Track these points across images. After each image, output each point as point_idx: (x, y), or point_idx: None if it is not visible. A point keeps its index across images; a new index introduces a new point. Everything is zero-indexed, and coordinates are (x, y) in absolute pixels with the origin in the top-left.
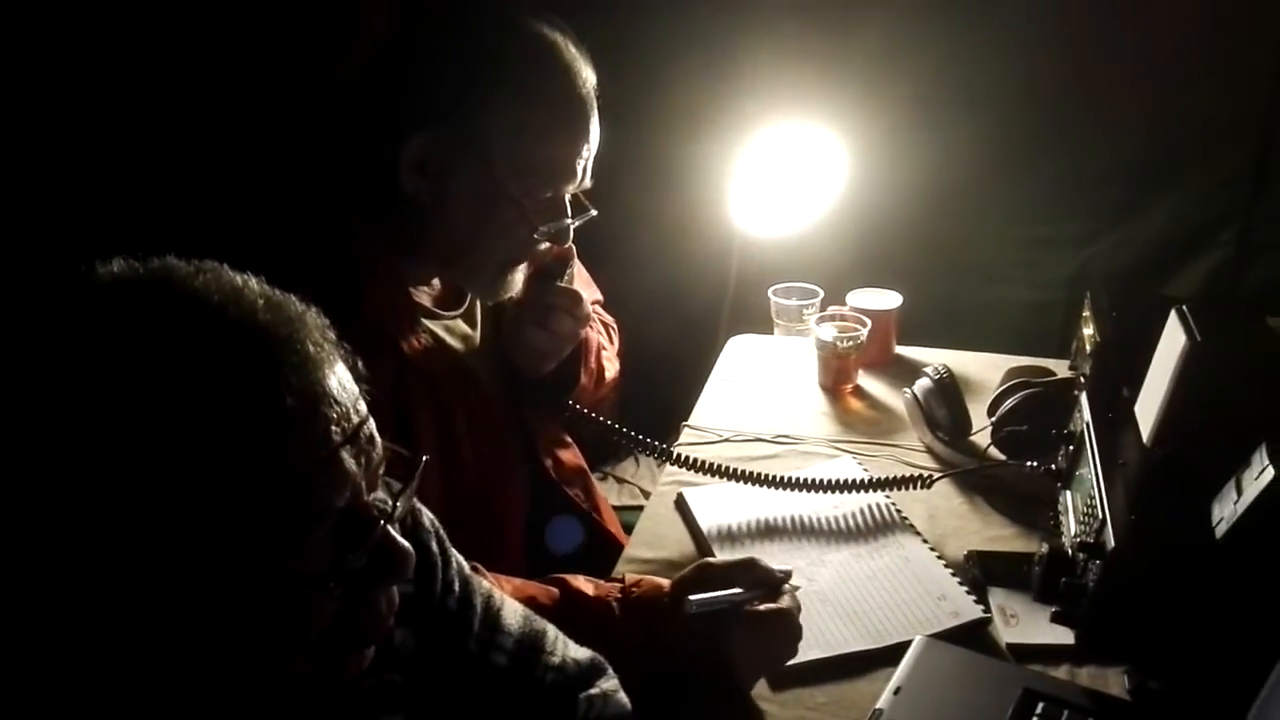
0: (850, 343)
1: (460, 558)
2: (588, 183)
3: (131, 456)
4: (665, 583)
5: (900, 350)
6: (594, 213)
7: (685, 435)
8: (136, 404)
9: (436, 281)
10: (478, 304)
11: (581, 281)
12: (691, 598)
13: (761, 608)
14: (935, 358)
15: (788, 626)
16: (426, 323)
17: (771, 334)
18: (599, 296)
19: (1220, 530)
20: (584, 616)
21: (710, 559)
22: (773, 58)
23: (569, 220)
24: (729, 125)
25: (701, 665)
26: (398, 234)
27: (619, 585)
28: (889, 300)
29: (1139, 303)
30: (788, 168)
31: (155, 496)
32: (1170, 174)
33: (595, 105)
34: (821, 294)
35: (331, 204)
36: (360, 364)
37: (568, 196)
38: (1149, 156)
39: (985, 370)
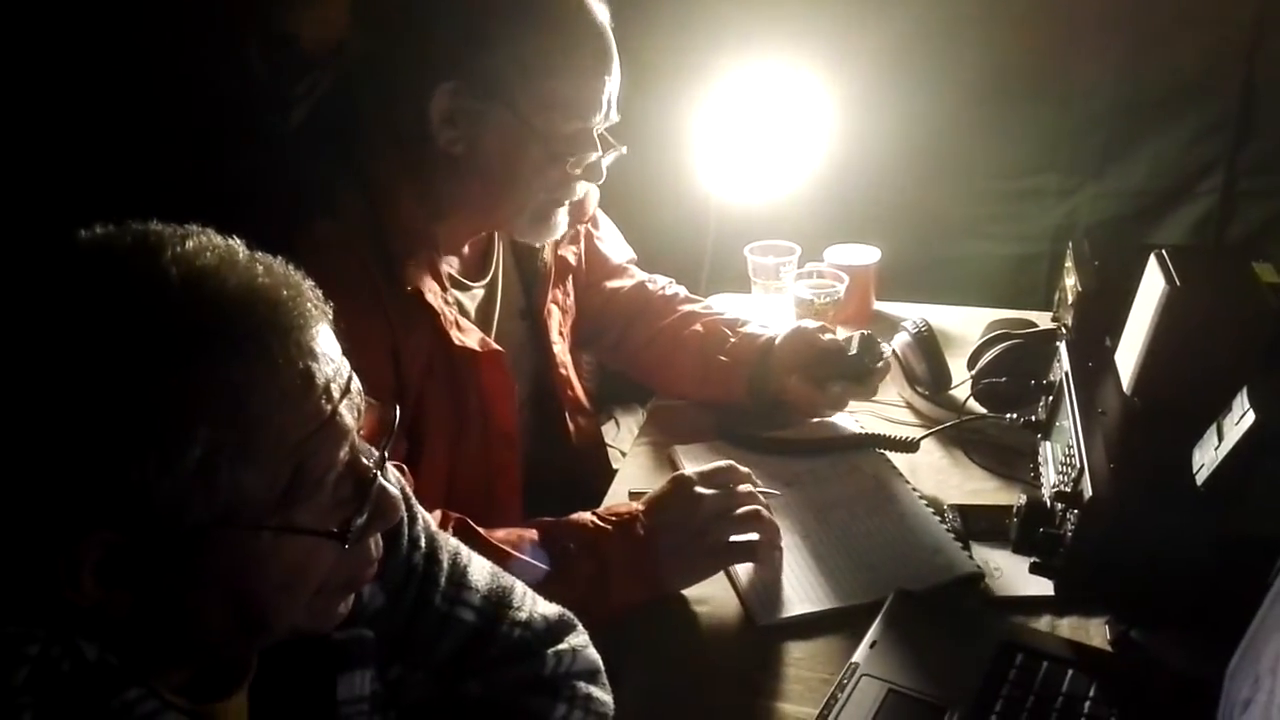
0: (827, 299)
1: (426, 514)
2: (615, 117)
3: (136, 426)
4: (635, 505)
5: (879, 306)
6: (623, 150)
7: (662, 397)
8: (148, 374)
9: (466, 249)
10: (500, 275)
11: (613, 238)
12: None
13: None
14: (915, 313)
15: (736, 477)
16: (454, 292)
17: (749, 293)
18: (633, 255)
19: (1201, 477)
20: (567, 536)
21: (683, 472)
22: (744, 10)
23: (599, 154)
24: (700, 81)
25: (676, 544)
26: (438, 196)
27: (588, 511)
28: (867, 255)
29: (1122, 252)
30: (762, 124)
31: (172, 462)
32: (1153, 123)
33: (612, 39)
34: (799, 251)
35: (377, 171)
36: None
37: (596, 131)
38: (1131, 106)
39: (966, 324)
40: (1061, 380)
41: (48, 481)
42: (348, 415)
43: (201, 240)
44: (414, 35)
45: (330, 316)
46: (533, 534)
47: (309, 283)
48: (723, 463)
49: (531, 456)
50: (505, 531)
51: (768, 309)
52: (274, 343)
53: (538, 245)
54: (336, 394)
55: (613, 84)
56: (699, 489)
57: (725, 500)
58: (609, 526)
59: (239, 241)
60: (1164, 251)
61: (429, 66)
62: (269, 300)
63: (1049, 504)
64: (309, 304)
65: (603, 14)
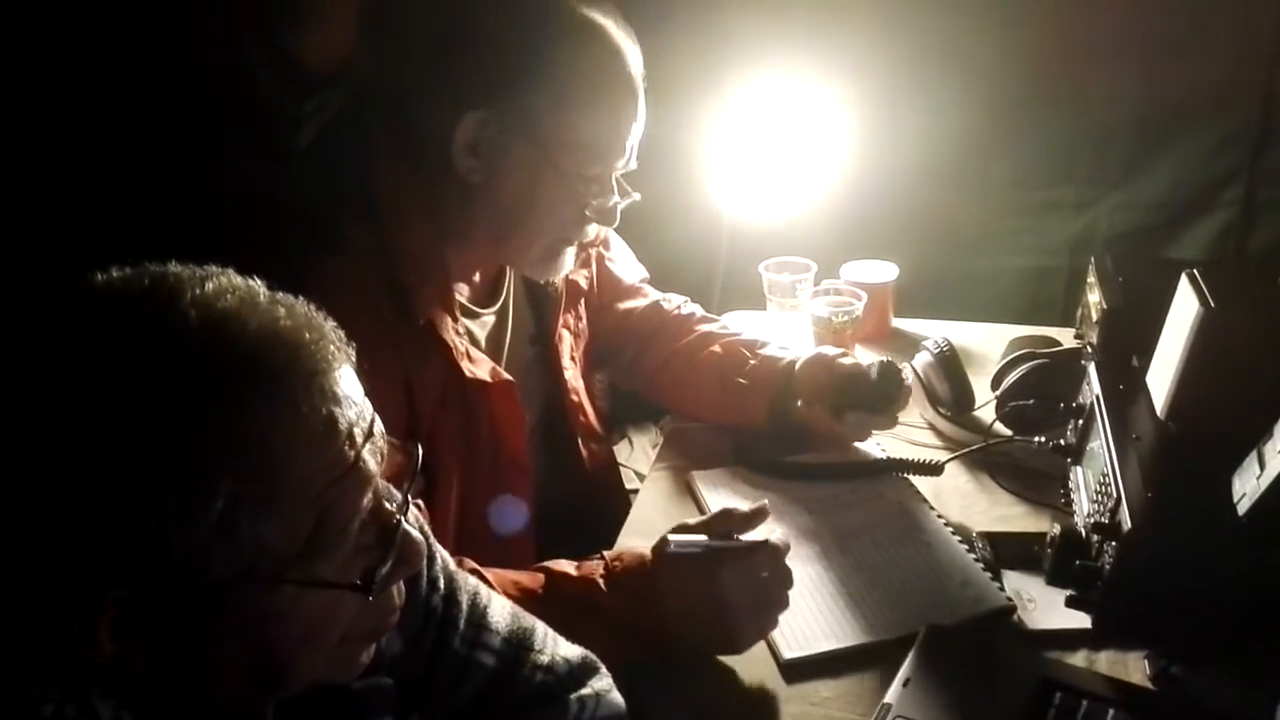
0: (845, 317)
1: (445, 553)
2: (634, 164)
3: (154, 476)
4: (646, 552)
5: (898, 323)
6: (637, 196)
7: (678, 419)
8: (166, 423)
9: (477, 277)
10: (511, 301)
11: (625, 258)
12: (671, 538)
13: (745, 542)
14: (935, 330)
15: (774, 561)
16: (465, 321)
17: (764, 310)
18: (645, 274)
19: (1243, 506)
20: (571, 597)
21: (685, 521)
22: (757, 25)
23: (616, 199)
24: (713, 95)
25: (696, 627)
26: (448, 221)
27: (601, 562)
28: (885, 272)
29: (1145, 266)
30: (776, 139)
31: (192, 514)
32: (1172, 134)
33: (642, 88)
34: (815, 268)
35: (385, 192)
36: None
37: (615, 177)
38: (1150, 116)
39: (987, 342)
40: (1092, 404)
41: (63, 536)
42: (371, 460)
43: (221, 282)
44: (441, 60)
45: (353, 359)
46: (539, 584)
47: (331, 323)
48: (759, 543)
49: (544, 483)
50: (514, 584)
51: (784, 327)
52: (296, 388)
53: (543, 281)
54: (360, 439)
55: (638, 131)
56: (728, 581)
57: (760, 599)
58: (616, 596)
59: (259, 282)
60: (1195, 271)
61: (457, 93)
62: (291, 344)
63: (1085, 534)
64: (331, 346)
65: (637, 63)
